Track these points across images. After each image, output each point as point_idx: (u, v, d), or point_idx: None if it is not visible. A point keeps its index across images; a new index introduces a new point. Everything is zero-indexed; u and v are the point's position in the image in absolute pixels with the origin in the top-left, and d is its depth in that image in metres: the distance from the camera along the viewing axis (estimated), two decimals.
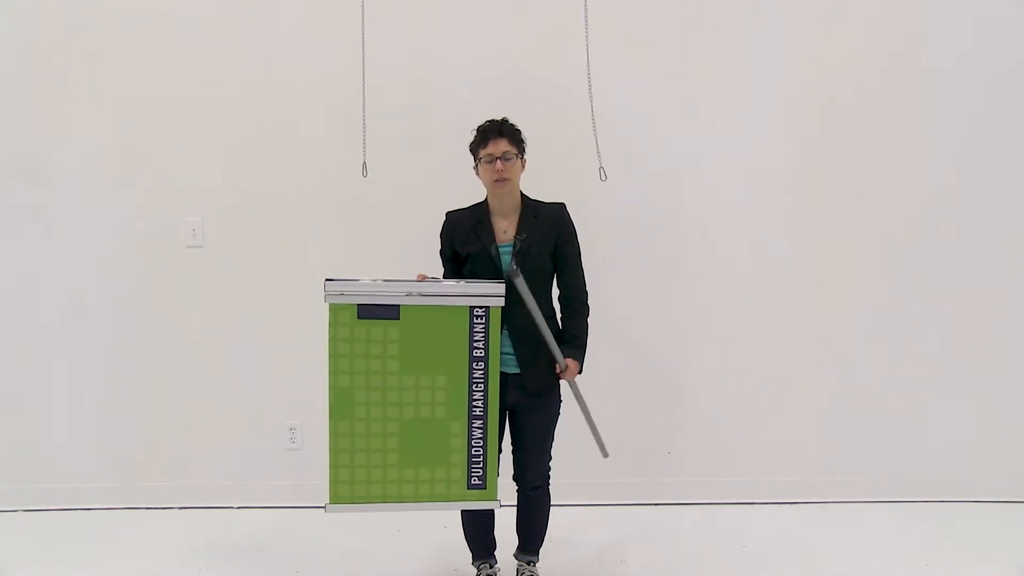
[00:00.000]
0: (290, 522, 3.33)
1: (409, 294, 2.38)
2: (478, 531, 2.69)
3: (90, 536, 3.19)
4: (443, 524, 3.18)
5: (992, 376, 3.61)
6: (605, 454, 2.77)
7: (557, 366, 2.53)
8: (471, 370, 2.42)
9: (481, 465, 2.46)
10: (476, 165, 2.53)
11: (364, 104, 2.79)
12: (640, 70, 3.43)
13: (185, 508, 3.46)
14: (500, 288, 2.40)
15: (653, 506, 3.53)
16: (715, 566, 2.97)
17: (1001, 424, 3.62)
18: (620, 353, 3.46)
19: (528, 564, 2.71)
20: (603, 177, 2.66)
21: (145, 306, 3.42)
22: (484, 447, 2.45)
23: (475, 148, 2.51)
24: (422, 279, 2.42)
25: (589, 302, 2.59)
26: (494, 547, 2.73)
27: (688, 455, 3.58)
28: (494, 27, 3.39)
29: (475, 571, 2.72)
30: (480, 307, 2.40)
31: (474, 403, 2.43)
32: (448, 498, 2.46)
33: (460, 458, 2.45)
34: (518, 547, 2.73)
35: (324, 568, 2.94)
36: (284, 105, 3.39)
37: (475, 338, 2.40)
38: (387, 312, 2.38)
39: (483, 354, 2.41)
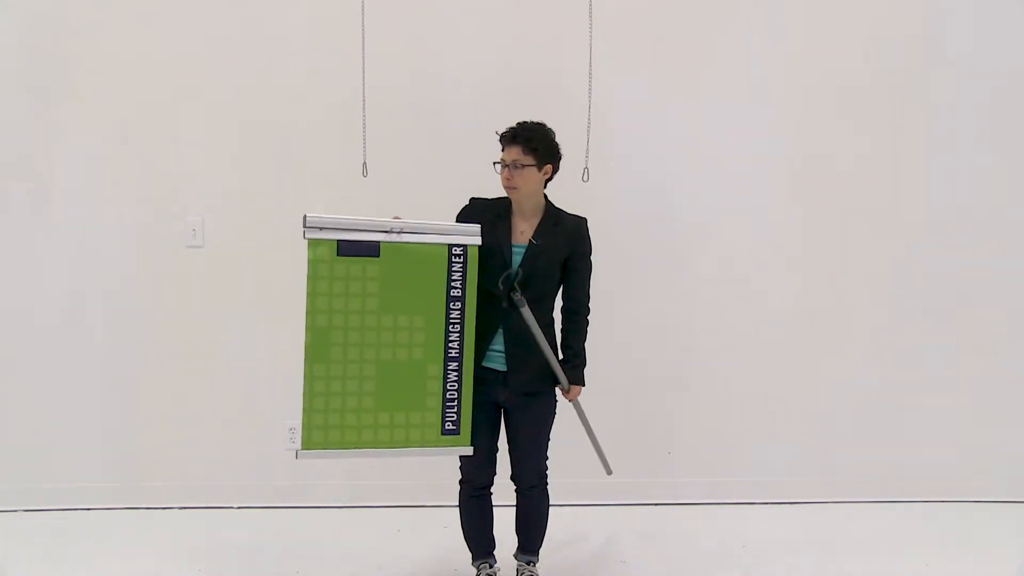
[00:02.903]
0: (290, 522, 3.33)
1: (390, 231, 2.37)
2: (477, 531, 2.69)
3: (90, 536, 3.19)
4: (443, 524, 3.18)
5: (992, 376, 3.60)
6: (609, 471, 2.78)
7: (560, 387, 2.57)
8: (448, 310, 2.41)
9: (455, 409, 2.45)
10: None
11: (364, 104, 2.79)
12: (640, 70, 3.43)
13: (185, 508, 3.46)
14: (476, 228, 2.42)
15: (653, 506, 3.53)
16: (715, 566, 2.97)
17: (1001, 424, 3.62)
18: (620, 353, 3.46)
19: (528, 564, 2.70)
20: (585, 178, 2.66)
21: (145, 306, 3.42)
22: (459, 391, 2.44)
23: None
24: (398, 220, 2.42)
25: (589, 304, 2.61)
26: (493, 547, 2.72)
27: (688, 455, 3.58)
28: (495, 28, 3.39)
29: (475, 571, 2.71)
30: (459, 246, 2.40)
31: (450, 344, 2.43)
32: (423, 443, 2.45)
33: (436, 402, 2.44)
34: (518, 547, 2.73)
35: (324, 568, 2.94)
36: (284, 105, 3.38)
37: (453, 277, 2.40)
38: (367, 249, 2.36)
39: (460, 294, 2.41)
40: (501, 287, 2.42)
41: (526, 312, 2.41)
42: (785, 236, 3.53)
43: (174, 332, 3.43)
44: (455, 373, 2.44)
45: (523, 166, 2.45)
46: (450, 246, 2.39)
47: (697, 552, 3.08)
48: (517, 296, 2.40)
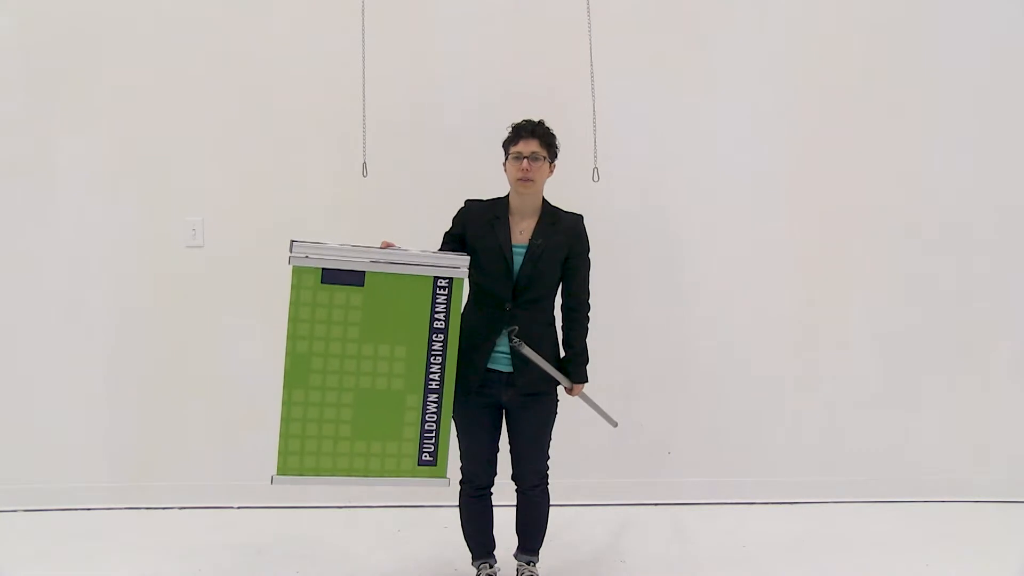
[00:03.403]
0: (290, 522, 3.33)
1: (375, 261, 2.36)
2: (477, 531, 2.68)
3: (90, 536, 3.19)
4: (443, 524, 3.18)
5: (992, 376, 3.60)
6: (614, 424, 2.78)
7: (563, 386, 2.58)
8: (431, 342, 2.40)
9: (433, 441, 2.44)
10: (505, 160, 2.53)
11: (364, 104, 2.79)
12: (639, 70, 3.43)
13: (185, 508, 3.46)
14: (465, 260, 2.40)
15: (653, 506, 3.53)
16: (715, 566, 2.97)
17: (1001, 424, 3.62)
18: (620, 353, 3.46)
19: (528, 564, 2.70)
20: (595, 178, 2.67)
21: (145, 306, 3.42)
22: (437, 423, 2.44)
23: (507, 144, 2.51)
24: (387, 247, 2.41)
25: (590, 302, 2.61)
26: (493, 547, 2.72)
27: (688, 455, 3.58)
28: (494, 28, 3.39)
29: (475, 571, 2.71)
30: (444, 278, 2.39)
31: (431, 376, 2.42)
32: (398, 473, 2.44)
33: (413, 433, 2.43)
34: (518, 547, 2.73)
35: (324, 568, 2.94)
36: (284, 105, 3.38)
37: (437, 309, 2.39)
38: (352, 278, 2.36)
39: (443, 326, 2.40)
40: (499, 339, 2.46)
41: (527, 351, 2.43)
42: (786, 235, 3.52)
43: (174, 332, 3.43)
44: (435, 405, 2.43)
45: (542, 158, 2.45)
46: (435, 278, 2.39)
47: (697, 552, 3.08)
48: (516, 342, 2.43)
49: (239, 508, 3.47)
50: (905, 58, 3.50)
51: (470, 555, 2.73)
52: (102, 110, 3.35)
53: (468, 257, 2.42)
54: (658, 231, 3.49)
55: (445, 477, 2.48)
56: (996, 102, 3.52)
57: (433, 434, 2.44)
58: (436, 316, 2.40)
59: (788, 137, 3.48)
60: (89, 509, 3.42)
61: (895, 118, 3.50)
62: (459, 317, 2.42)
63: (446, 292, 2.39)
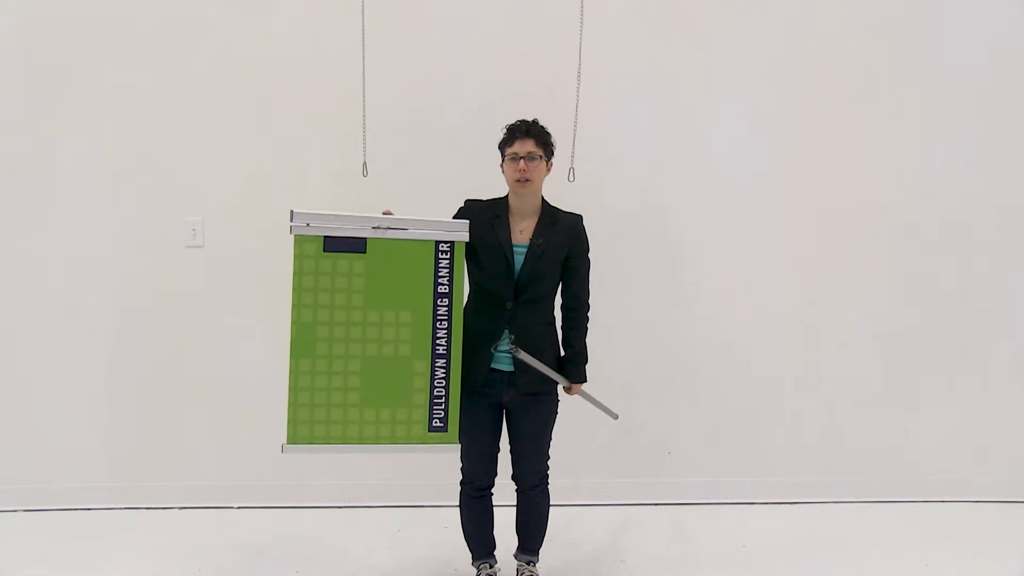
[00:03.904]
0: (290, 522, 3.33)
1: (376, 228, 2.37)
2: (478, 531, 2.69)
3: (90, 536, 3.19)
4: (443, 524, 3.18)
5: (992, 376, 3.61)
6: (614, 416, 2.79)
7: (562, 385, 2.59)
8: (435, 306, 2.41)
9: (443, 407, 2.44)
10: (502, 162, 2.53)
11: (364, 104, 2.79)
12: (639, 70, 3.43)
13: (185, 508, 3.46)
14: (465, 224, 2.42)
15: (653, 506, 3.53)
16: (715, 566, 2.97)
17: (1001, 424, 3.62)
18: (620, 353, 3.46)
19: (528, 564, 2.71)
20: (571, 178, 2.68)
21: (145, 306, 3.42)
22: (446, 388, 2.43)
23: (502, 145, 2.52)
24: (388, 215, 2.42)
25: (589, 301, 2.61)
26: (494, 547, 2.73)
27: (688, 455, 3.58)
28: (494, 28, 3.39)
29: (475, 571, 2.72)
30: (445, 242, 2.40)
31: (438, 341, 2.42)
32: (409, 440, 2.44)
33: (423, 399, 2.43)
34: (518, 547, 2.73)
35: (324, 568, 2.94)
36: (284, 105, 3.38)
37: (440, 273, 2.40)
38: (354, 245, 2.37)
39: (447, 290, 2.41)
40: (493, 351, 2.47)
41: (525, 356, 2.44)
42: (786, 235, 3.52)
43: (174, 332, 3.43)
44: (443, 370, 2.43)
45: (539, 158, 2.46)
46: (437, 242, 2.39)
47: (697, 552, 3.09)
48: (514, 348, 2.44)
49: (239, 508, 3.47)
50: (905, 58, 3.50)
51: (470, 555, 2.73)
52: (102, 110, 3.35)
53: (468, 222, 2.43)
54: (658, 231, 3.49)
55: (457, 442, 2.48)
56: (996, 102, 3.52)
57: (443, 400, 2.44)
58: (440, 280, 2.40)
59: (788, 137, 3.49)
60: (89, 509, 3.42)
61: (895, 118, 3.50)
62: (463, 281, 2.42)
63: (448, 256, 2.40)
